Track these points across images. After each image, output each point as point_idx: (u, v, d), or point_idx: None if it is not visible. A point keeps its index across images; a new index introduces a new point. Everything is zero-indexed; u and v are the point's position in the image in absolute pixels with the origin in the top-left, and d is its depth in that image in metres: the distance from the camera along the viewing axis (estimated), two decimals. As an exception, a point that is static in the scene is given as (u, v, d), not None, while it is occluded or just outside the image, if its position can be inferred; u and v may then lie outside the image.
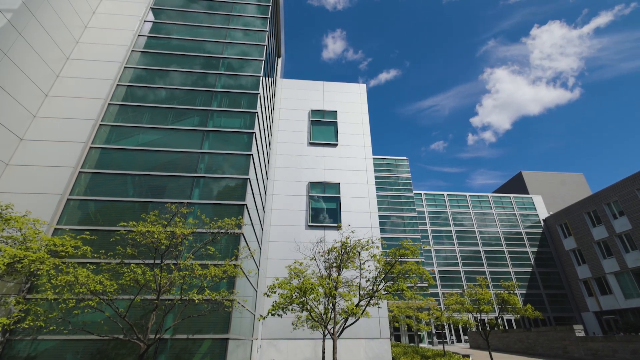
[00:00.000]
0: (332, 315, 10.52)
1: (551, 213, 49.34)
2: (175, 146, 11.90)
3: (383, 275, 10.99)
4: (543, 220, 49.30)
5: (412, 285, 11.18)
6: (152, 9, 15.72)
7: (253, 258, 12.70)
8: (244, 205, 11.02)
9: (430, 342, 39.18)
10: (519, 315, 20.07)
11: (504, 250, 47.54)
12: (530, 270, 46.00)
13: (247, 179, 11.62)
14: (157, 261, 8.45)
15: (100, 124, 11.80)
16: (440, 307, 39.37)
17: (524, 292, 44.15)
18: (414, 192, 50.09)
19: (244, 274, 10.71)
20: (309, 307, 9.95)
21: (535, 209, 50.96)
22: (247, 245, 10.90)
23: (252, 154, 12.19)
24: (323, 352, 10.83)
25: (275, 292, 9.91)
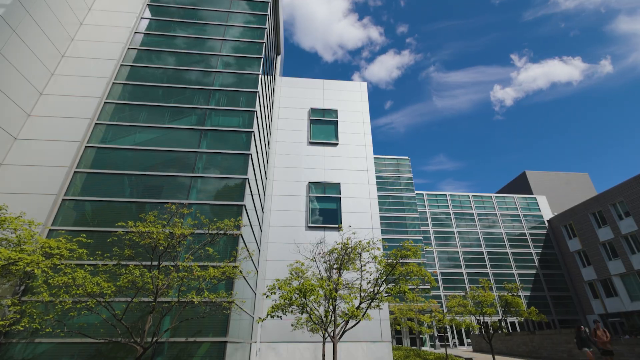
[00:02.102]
0: (333, 318, 10.29)
1: (555, 214, 48.84)
2: (172, 145, 11.71)
3: (384, 277, 10.76)
4: (547, 221, 48.75)
5: (414, 287, 10.92)
6: (149, 5, 15.53)
7: (252, 259, 12.49)
8: (242, 205, 10.81)
9: (433, 345, 38.78)
10: (522, 318, 19.77)
11: (507, 252, 47.04)
12: (534, 272, 45.48)
13: (245, 179, 11.41)
14: (155, 263, 8.28)
15: (96, 123, 11.62)
16: (443, 310, 39.01)
17: (528, 294, 43.65)
18: (416, 192, 49.72)
19: (243, 275, 10.50)
20: (309, 309, 9.72)
21: (539, 210, 50.43)
22: (246, 247, 10.69)
23: (250, 154, 11.98)
24: (323, 356, 10.57)
25: (275, 293, 9.72)
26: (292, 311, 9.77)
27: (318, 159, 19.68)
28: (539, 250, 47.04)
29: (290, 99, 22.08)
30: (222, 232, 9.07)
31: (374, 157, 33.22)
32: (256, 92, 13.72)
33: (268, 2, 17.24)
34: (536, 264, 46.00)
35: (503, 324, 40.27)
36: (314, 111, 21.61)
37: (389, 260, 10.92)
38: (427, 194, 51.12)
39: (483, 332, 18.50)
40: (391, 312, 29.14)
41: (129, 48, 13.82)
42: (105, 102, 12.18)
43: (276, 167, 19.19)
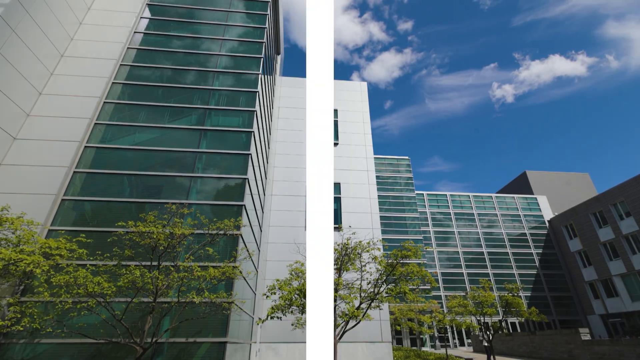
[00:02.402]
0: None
1: (556, 214, 48.77)
2: (172, 145, 11.69)
3: (384, 278, 10.73)
4: (548, 221, 48.66)
5: (414, 287, 10.89)
6: (148, 5, 15.52)
7: (252, 260, 12.47)
8: (242, 206, 10.79)
9: (433, 346, 38.72)
10: (523, 318, 19.75)
11: (508, 252, 46.96)
12: (534, 272, 45.40)
13: (245, 179, 11.39)
14: (155, 263, 8.26)
15: (95, 123, 11.61)
16: (443, 310, 38.93)
17: (529, 294, 43.58)
18: (416, 192, 49.65)
19: (243, 275, 10.47)
20: (308, 310, 9.67)
21: (539, 210, 50.33)
22: (246, 247, 10.68)
23: (250, 154, 11.96)
24: (323, 357, 10.53)
25: (274, 293, 9.68)
26: (292, 311, 9.75)
27: (318, 159, 19.61)
28: (540, 251, 46.97)
29: (290, 98, 22.04)
30: (222, 232, 9.05)
31: (374, 157, 33.03)
32: (256, 92, 13.70)
33: (268, 2, 17.21)
34: (537, 264, 45.93)
35: (503, 324, 40.21)
36: (314, 111, 21.54)
37: (389, 261, 10.90)
38: (427, 194, 51.04)
39: (483, 332, 18.45)
40: (391, 313, 29.09)
41: (128, 48, 13.80)
42: (104, 102, 12.17)
43: (276, 167, 19.17)
